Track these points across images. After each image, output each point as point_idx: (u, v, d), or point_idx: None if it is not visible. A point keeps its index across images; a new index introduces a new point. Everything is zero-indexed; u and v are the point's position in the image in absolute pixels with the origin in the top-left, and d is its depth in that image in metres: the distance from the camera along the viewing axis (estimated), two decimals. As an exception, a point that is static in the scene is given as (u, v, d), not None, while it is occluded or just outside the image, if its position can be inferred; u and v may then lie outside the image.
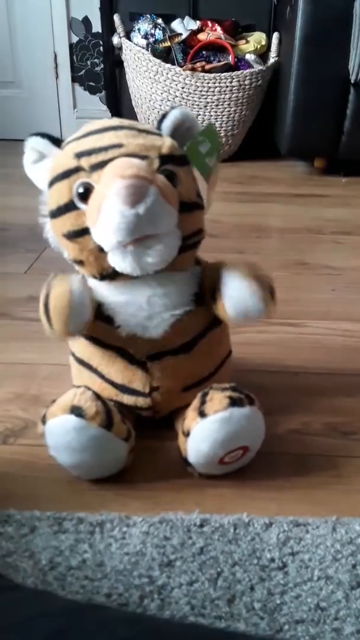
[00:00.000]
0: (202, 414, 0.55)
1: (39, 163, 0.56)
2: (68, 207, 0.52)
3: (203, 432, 0.55)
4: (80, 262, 0.54)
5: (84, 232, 0.52)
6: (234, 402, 0.55)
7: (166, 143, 0.53)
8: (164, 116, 0.56)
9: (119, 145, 0.51)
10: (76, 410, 0.53)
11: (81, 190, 0.51)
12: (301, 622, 0.45)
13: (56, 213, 0.54)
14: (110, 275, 0.54)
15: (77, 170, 0.51)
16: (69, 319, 0.54)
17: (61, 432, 0.54)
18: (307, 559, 0.51)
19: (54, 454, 0.56)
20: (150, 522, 0.54)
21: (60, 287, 0.54)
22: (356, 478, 0.61)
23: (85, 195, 0.51)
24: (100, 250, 0.52)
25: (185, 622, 0.45)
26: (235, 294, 0.56)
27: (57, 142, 0.55)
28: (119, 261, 0.52)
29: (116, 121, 0.54)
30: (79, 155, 0.52)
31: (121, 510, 0.55)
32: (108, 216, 0.49)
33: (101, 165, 0.50)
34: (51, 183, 0.54)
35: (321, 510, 0.56)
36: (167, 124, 0.55)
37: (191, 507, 0.56)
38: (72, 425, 0.53)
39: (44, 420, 0.55)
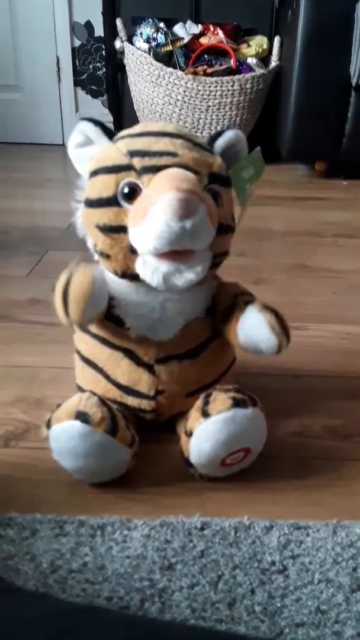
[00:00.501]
0: (205, 414, 0.55)
1: (85, 148, 0.56)
2: (110, 202, 0.52)
3: (206, 432, 0.55)
4: (107, 256, 0.54)
5: (121, 229, 0.52)
6: (237, 403, 0.55)
7: (217, 162, 0.54)
8: (218, 134, 0.56)
9: (174, 154, 0.51)
10: (82, 416, 0.53)
11: (127, 190, 0.51)
12: (302, 626, 0.45)
13: (95, 203, 0.53)
14: (132, 276, 0.54)
15: (127, 168, 0.51)
16: (88, 306, 0.54)
17: (66, 438, 0.54)
18: (307, 562, 0.51)
19: (57, 458, 0.56)
20: (151, 526, 0.54)
21: (83, 274, 0.54)
22: (357, 481, 0.61)
23: (130, 195, 0.51)
24: (132, 251, 0.52)
25: (186, 624, 0.45)
26: (253, 327, 0.57)
27: (109, 132, 0.55)
28: (147, 273, 0.52)
29: (174, 128, 0.55)
30: (132, 153, 0.52)
31: (122, 513, 0.55)
32: (154, 222, 0.49)
33: (153, 169, 0.50)
34: (95, 172, 0.54)
35: (322, 513, 0.56)
36: (220, 144, 0.56)
37: (192, 510, 0.56)
38: (77, 431, 0.53)
39: (48, 425, 0.55)
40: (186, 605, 0.47)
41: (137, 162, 0.51)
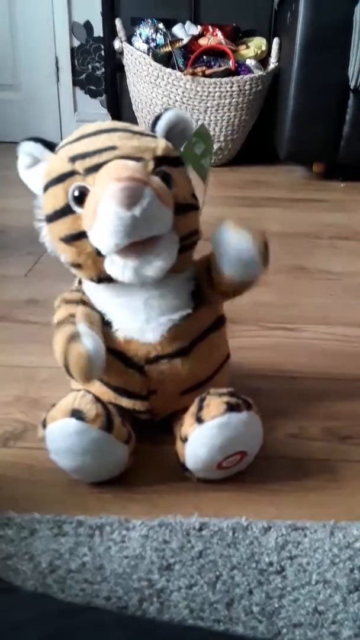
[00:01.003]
0: (199, 420, 0.55)
1: (34, 167, 0.56)
2: (64, 211, 0.53)
3: (201, 438, 0.55)
4: (78, 266, 0.55)
5: (81, 235, 0.52)
6: (231, 408, 0.55)
7: (160, 145, 0.53)
8: (158, 117, 0.56)
9: (113, 148, 0.51)
10: (77, 414, 0.54)
11: (77, 193, 0.51)
12: (299, 626, 0.46)
13: (52, 217, 0.54)
14: (107, 278, 0.54)
15: (71, 174, 0.52)
16: (91, 375, 0.54)
17: (62, 436, 0.54)
18: (305, 562, 0.51)
19: (55, 458, 0.57)
20: (149, 526, 0.54)
21: (77, 354, 0.53)
22: (354, 482, 0.61)
23: (81, 199, 0.51)
24: (98, 253, 0.52)
25: (184, 624, 0.45)
26: (228, 250, 0.56)
27: (50, 146, 0.55)
28: (117, 271, 0.52)
29: (109, 124, 0.55)
30: (73, 158, 0.52)
31: (120, 513, 0.55)
32: (104, 219, 0.49)
33: (96, 168, 0.50)
34: (46, 187, 0.54)
35: (319, 515, 0.56)
36: (161, 126, 0.56)
37: (190, 510, 0.56)
38: (73, 428, 0.53)
39: (44, 425, 0.55)
40: (184, 605, 0.47)
41: (79, 165, 0.51)
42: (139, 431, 0.61)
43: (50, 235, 0.56)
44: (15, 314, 0.95)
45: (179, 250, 0.54)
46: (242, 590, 0.48)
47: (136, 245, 0.50)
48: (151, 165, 0.52)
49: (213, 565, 0.51)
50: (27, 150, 0.56)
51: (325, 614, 0.47)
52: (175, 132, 0.56)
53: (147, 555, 0.51)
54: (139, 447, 0.60)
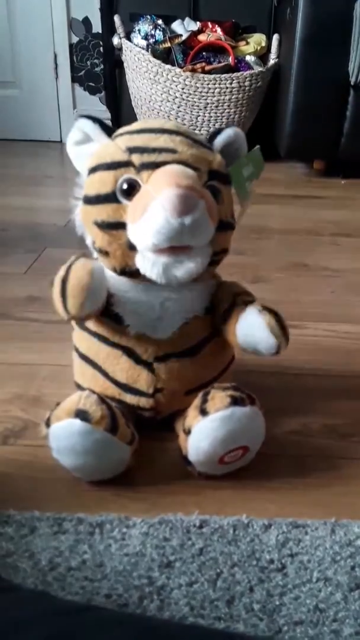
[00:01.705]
0: (203, 412, 0.55)
1: (83, 145, 0.56)
2: (108, 198, 0.52)
3: (204, 430, 0.55)
4: (106, 253, 0.54)
5: (119, 225, 0.52)
6: (235, 401, 0.55)
7: (217, 159, 0.54)
8: (217, 132, 0.56)
9: (173, 151, 0.51)
10: (81, 414, 0.53)
11: (125, 186, 0.51)
12: (300, 624, 0.45)
13: (94, 200, 0.53)
14: (131, 272, 0.54)
15: (126, 164, 0.51)
16: (87, 299, 0.54)
17: (66, 436, 0.54)
18: (306, 560, 0.51)
19: (57, 456, 0.56)
20: (149, 523, 0.54)
21: (82, 266, 0.54)
22: (355, 480, 0.61)
23: (129, 192, 0.51)
24: (131, 247, 0.52)
25: (184, 623, 0.45)
26: (252, 327, 0.57)
27: (107, 129, 0.55)
28: (147, 266, 0.52)
29: (173, 124, 0.55)
30: (131, 150, 0.52)
31: (121, 511, 0.55)
32: (153, 219, 0.49)
33: (152, 166, 0.50)
34: (94, 169, 0.54)
35: (320, 512, 0.56)
36: (219, 141, 0.56)
37: (190, 508, 0.56)
38: (77, 429, 0.53)
39: (48, 423, 0.55)
40: (185, 602, 0.47)
41: (135, 158, 0.51)
42: (140, 429, 0.61)
43: (84, 216, 0.55)
44: (15, 312, 0.95)
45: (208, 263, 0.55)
46: (242, 588, 0.48)
47: (173, 249, 0.51)
48: (205, 177, 0.52)
49: (214, 562, 0.50)
50: (81, 126, 0.55)
51: (326, 611, 0.46)
52: (231, 149, 0.57)
53: (148, 552, 0.51)
54: (139, 445, 0.60)
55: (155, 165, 0.50)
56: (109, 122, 0.55)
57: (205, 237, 0.52)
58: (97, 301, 0.55)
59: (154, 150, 0.51)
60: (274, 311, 0.57)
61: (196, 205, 0.49)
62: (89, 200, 0.54)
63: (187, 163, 0.51)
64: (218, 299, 0.61)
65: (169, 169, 0.50)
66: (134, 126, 0.55)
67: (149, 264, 0.52)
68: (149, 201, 0.49)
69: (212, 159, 0.54)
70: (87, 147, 0.55)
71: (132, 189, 0.51)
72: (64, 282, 0.54)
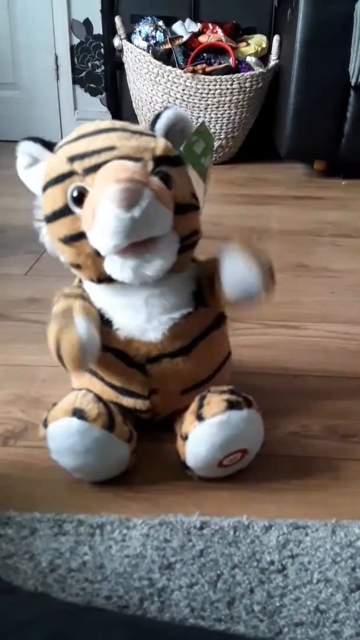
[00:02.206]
0: (199, 418, 0.55)
1: (32, 167, 0.56)
2: (63, 212, 0.52)
3: (201, 436, 0.55)
4: (78, 266, 0.54)
5: (80, 236, 0.52)
6: (231, 405, 0.55)
7: (160, 144, 0.53)
8: (157, 117, 0.55)
9: (112, 148, 0.51)
10: (78, 413, 0.53)
11: (75, 194, 0.51)
12: (300, 625, 0.45)
13: (51, 218, 0.54)
14: (107, 278, 0.54)
15: (70, 174, 0.51)
16: (83, 363, 0.54)
17: (64, 435, 0.54)
18: (306, 561, 0.51)
19: (56, 457, 0.56)
20: (150, 525, 0.54)
21: (69, 339, 0.53)
22: (355, 481, 0.61)
23: (79, 199, 0.51)
24: (97, 254, 0.52)
25: (184, 624, 0.45)
26: (233, 273, 0.56)
27: (49, 146, 0.55)
28: (116, 271, 0.52)
29: (108, 123, 0.54)
30: (72, 159, 0.52)
31: (121, 512, 0.55)
32: (103, 220, 0.49)
33: (95, 168, 0.50)
34: (45, 188, 0.54)
35: (320, 513, 0.56)
36: (160, 125, 0.55)
37: (191, 509, 0.56)
38: (74, 428, 0.53)
39: (45, 424, 0.55)
40: (185, 604, 0.47)
41: (77, 165, 0.51)
42: (140, 430, 0.61)
43: (49, 235, 0.55)
44: (15, 313, 0.95)
45: (179, 250, 0.54)
46: (243, 589, 0.48)
47: (135, 245, 0.50)
48: (150, 165, 0.51)
49: (214, 564, 0.50)
50: (26, 150, 0.56)
51: (326, 612, 0.46)
52: (175, 131, 0.56)
53: (148, 554, 0.51)
54: (139, 446, 0.60)
55: (97, 167, 0.50)
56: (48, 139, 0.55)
57: (163, 225, 0.51)
58: (94, 355, 0.55)
59: (93, 152, 0.51)
60: (254, 251, 0.56)
61: (141, 195, 0.48)
62: (48, 219, 0.54)
63: (128, 156, 0.50)
64: (202, 277, 0.59)
65: (108, 167, 0.49)
66: (72, 135, 0.55)
67: (117, 268, 0.52)
68: (97, 204, 0.49)
69: (155, 146, 0.52)
70: (36, 168, 0.56)
71: (82, 197, 0.51)
72: (58, 354, 0.54)
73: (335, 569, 0.50)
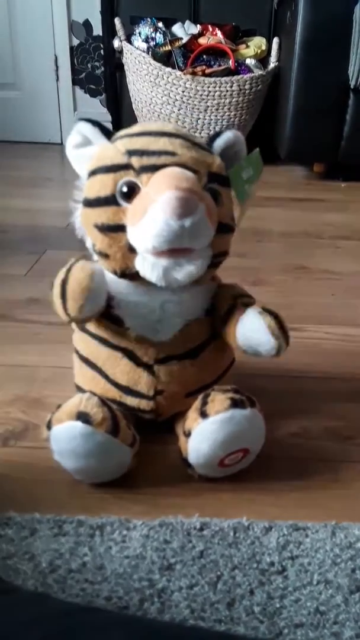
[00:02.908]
0: (203, 415, 0.55)
1: (83, 148, 0.56)
2: (108, 201, 0.52)
3: (204, 433, 0.55)
4: (106, 256, 0.54)
5: (119, 228, 0.52)
6: (235, 404, 0.55)
7: (216, 162, 0.54)
8: (217, 135, 0.57)
9: (173, 154, 0.51)
10: (83, 417, 0.53)
11: (125, 189, 0.51)
12: (300, 626, 0.45)
13: (94, 203, 0.53)
14: (131, 275, 0.54)
15: (126, 167, 0.51)
16: (87, 302, 0.54)
17: (67, 438, 0.54)
18: (306, 563, 0.51)
19: (59, 458, 0.56)
20: (150, 526, 0.54)
21: (82, 268, 0.54)
22: (355, 483, 0.61)
23: (129, 194, 0.51)
24: (131, 250, 0.52)
25: (184, 625, 0.45)
26: (249, 338, 0.57)
27: (107, 133, 0.55)
28: (147, 269, 0.52)
29: (173, 127, 0.55)
30: (131, 153, 0.52)
31: (121, 513, 0.55)
32: (153, 221, 0.49)
33: (152, 168, 0.50)
34: (94, 172, 0.54)
35: (320, 515, 0.56)
36: (219, 144, 0.56)
37: (191, 510, 0.56)
38: (78, 431, 0.53)
39: (49, 426, 0.55)
40: (185, 605, 0.47)
41: (135, 161, 0.51)
42: (141, 431, 0.61)
43: (84, 218, 0.55)
44: (15, 314, 0.95)
45: (208, 266, 0.55)
46: (243, 591, 0.48)
47: (172, 251, 0.51)
48: (204, 179, 0.52)
49: (214, 565, 0.50)
50: (81, 129, 0.55)
51: (326, 614, 0.46)
52: (231, 152, 0.57)
53: (148, 555, 0.51)
54: (140, 447, 0.60)
55: (154, 168, 0.50)
56: (109, 125, 0.55)
57: (205, 240, 0.52)
58: (97, 304, 0.55)
59: (154, 152, 0.51)
60: (274, 313, 0.57)
61: (196, 208, 0.49)
62: (89, 203, 0.54)
63: (186, 166, 0.51)
64: (218, 302, 0.61)
65: (169, 172, 0.50)
66: (134, 129, 0.55)
67: (148, 266, 0.52)
68: (149, 204, 0.49)
69: (212, 162, 0.54)
70: (86, 150, 0.55)
71: (131, 192, 0.51)
72: (64, 284, 0.54)
73: (335, 570, 0.50)
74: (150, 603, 0.47)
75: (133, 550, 0.51)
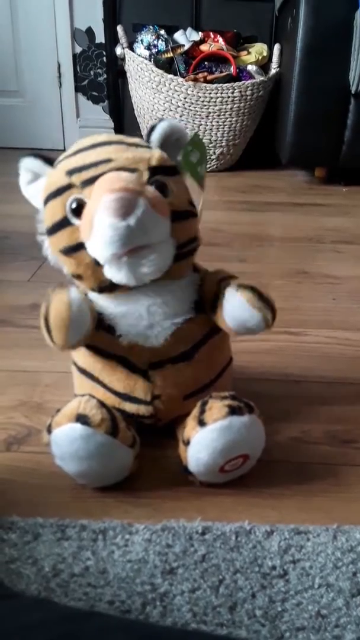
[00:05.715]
0: (201, 423, 0.55)
1: (34, 183, 0.57)
2: (62, 224, 0.53)
3: (203, 441, 0.55)
4: (79, 277, 0.55)
5: (80, 247, 0.53)
6: (233, 411, 0.55)
7: (155, 155, 0.54)
8: (152, 129, 0.57)
9: (108, 160, 0.52)
10: (82, 418, 0.54)
11: (74, 206, 0.52)
12: (302, 630, 0.46)
13: (52, 230, 0.55)
14: (108, 287, 0.55)
15: (69, 187, 0.53)
16: (69, 331, 0.54)
17: (68, 441, 0.54)
18: (308, 566, 0.51)
19: (61, 463, 0.57)
20: (152, 530, 0.54)
21: (59, 299, 0.55)
22: (356, 486, 0.61)
23: (78, 211, 0.52)
24: (97, 263, 0.53)
25: (186, 629, 0.45)
26: (235, 316, 0.57)
27: (50, 161, 0.56)
28: (114, 273, 0.53)
29: (104, 137, 0.56)
30: (70, 172, 0.53)
31: (123, 517, 0.56)
32: (100, 230, 0.50)
33: (91, 180, 0.51)
34: (45, 201, 0.55)
35: (322, 518, 0.56)
36: (155, 137, 0.56)
37: (193, 514, 0.56)
38: (78, 433, 0.53)
39: (49, 430, 0.55)
40: (187, 609, 0.47)
41: (75, 178, 0.52)
42: (142, 436, 0.61)
43: (51, 247, 0.56)
44: (18, 319, 0.96)
45: (177, 256, 0.55)
46: (245, 594, 0.48)
47: (132, 250, 0.51)
48: (146, 175, 0.52)
49: (216, 569, 0.51)
50: (27, 166, 0.57)
51: (328, 617, 0.47)
52: (170, 142, 0.57)
53: (150, 559, 0.51)
54: (141, 452, 0.60)
55: (94, 179, 0.51)
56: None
57: (160, 232, 0.52)
58: (82, 330, 0.56)
59: (90, 165, 0.52)
60: (250, 286, 0.57)
61: (135, 204, 0.49)
62: (49, 232, 0.55)
63: (124, 168, 0.51)
64: (205, 290, 0.60)
65: (104, 178, 0.50)
66: (71, 149, 0.56)
67: (116, 271, 0.52)
68: (93, 214, 0.50)
69: (150, 156, 0.54)
70: (38, 183, 0.57)
71: (80, 208, 0.52)
72: (46, 317, 0.55)
73: (336, 574, 0.50)
74: (153, 607, 0.47)
75: (135, 554, 0.52)
